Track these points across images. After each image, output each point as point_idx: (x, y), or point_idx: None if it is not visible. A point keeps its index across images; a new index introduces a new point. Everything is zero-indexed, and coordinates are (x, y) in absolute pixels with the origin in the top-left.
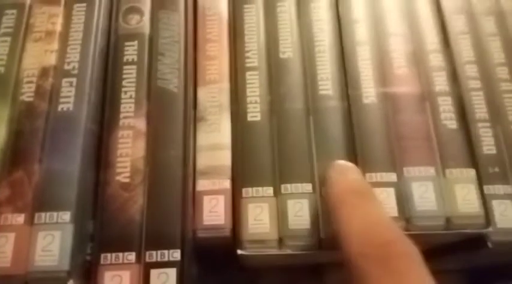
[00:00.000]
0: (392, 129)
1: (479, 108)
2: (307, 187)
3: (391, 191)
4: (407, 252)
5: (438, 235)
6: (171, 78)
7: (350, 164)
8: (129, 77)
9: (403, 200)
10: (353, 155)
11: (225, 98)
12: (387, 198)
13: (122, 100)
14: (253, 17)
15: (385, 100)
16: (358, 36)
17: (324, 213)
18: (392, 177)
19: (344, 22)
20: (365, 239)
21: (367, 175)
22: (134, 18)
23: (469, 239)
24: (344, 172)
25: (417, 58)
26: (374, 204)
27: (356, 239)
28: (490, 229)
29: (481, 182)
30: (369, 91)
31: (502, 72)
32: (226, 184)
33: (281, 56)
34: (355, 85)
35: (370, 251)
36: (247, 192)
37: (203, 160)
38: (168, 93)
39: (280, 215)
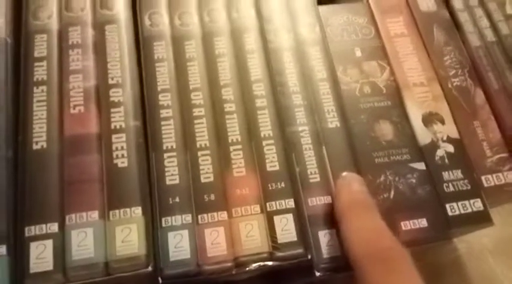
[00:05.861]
0: (64, 174)
1: (167, 137)
2: None
3: (49, 243)
4: (403, 255)
5: (100, 282)
6: None
7: (356, 176)
8: None
9: (62, 251)
10: (21, 208)
11: None
12: (43, 252)
13: None
14: None
15: (56, 143)
16: (37, 76)
17: None
18: (53, 227)
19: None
20: (369, 245)
21: (26, 229)
22: None
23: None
24: (350, 183)
25: (99, 94)
26: (375, 214)
27: (361, 245)
28: (150, 268)
29: (154, 217)
30: (39, 136)
31: (196, 97)
32: None
33: None
34: (22, 131)
35: (374, 254)
36: None
37: None
38: None
39: None
